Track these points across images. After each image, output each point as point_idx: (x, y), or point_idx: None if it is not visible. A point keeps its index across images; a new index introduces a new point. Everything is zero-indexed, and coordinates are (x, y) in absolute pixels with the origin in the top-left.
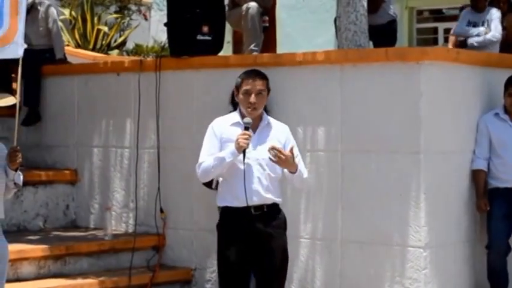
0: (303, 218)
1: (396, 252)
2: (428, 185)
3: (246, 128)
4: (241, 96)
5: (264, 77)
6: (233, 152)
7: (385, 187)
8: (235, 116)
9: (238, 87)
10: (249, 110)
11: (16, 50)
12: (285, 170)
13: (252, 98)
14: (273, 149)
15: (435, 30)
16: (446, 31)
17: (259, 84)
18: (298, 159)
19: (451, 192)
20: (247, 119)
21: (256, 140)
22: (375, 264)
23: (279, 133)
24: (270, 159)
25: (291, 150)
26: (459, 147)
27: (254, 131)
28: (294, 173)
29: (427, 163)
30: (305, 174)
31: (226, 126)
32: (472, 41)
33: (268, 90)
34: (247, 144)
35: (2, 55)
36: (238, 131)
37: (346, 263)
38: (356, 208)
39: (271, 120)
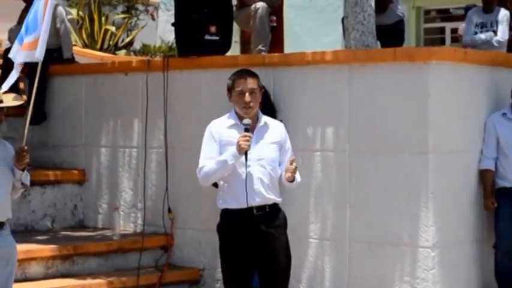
0: (312, 218)
1: (404, 252)
2: (436, 185)
3: (246, 130)
4: (235, 97)
5: (254, 76)
6: (235, 154)
7: (393, 187)
8: (231, 118)
9: (230, 89)
10: (245, 109)
11: (41, 52)
12: (284, 179)
13: (247, 97)
14: (290, 171)
15: (442, 30)
16: (454, 31)
17: (251, 83)
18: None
19: (458, 192)
20: (247, 121)
21: (255, 140)
22: (383, 264)
23: (275, 132)
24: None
25: (292, 162)
26: (467, 147)
27: (252, 132)
28: (292, 181)
29: (435, 163)
30: (299, 178)
31: (224, 129)
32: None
33: (261, 88)
34: (249, 146)
35: (31, 58)
36: (236, 133)
37: (355, 263)
38: (364, 208)
39: (267, 119)
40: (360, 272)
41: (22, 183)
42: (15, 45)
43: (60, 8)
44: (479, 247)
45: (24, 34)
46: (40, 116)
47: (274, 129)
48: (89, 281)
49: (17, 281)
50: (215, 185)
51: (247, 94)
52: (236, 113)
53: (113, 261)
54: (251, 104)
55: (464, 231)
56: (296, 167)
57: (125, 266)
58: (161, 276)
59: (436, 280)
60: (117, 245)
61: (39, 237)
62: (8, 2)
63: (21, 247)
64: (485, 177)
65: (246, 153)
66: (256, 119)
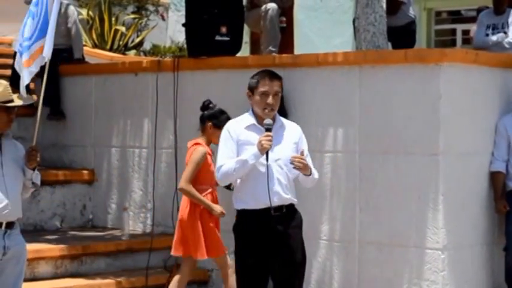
0: (321, 219)
1: (414, 254)
2: (447, 187)
3: (268, 130)
4: (257, 97)
5: (279, 78)
6: (256, 154)
7: (403, 188)
8: (249, 118)
9: (253, 89)
10: (266, 111)
11: (48, 52)
12: (300, 174)
13: (270, 100)
14: (294, 158)
15: (453, 32)
16: (465, 32)
17: (276, 85)
18: (309, 160)
19: (469, 194)
20: (268, 121)
21: (273, 140)
22: (393, 266)
23: (292, 133)
24: (295, 168)
25: (302, 153)
26: (478, 149)
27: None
28: (309, 175)
29: (445, 165)
30: (316, 175)
31: (241, 129)
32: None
33: (282, 90)
34: (270, 145)
35: (41, 62)
36: (254, 133)
37: (364, 264)
38: (374, 209)
39: (284, 120)
40: (370, 274)
41: (33, 183)
42: (23, 56)
43: (72, 8)
44: (490, 249)
45: (34, 40)
46: (59, 115)
47: (290, 130)
48: (97, 281)
49: (26, 280)
50: (227, 187)
51: (271, 96)
52: (254, 113)
53: (122, 262)
54: (273, 106)
55: (475, 233)
56: (303, 158)
57: (133, 266)
58: (170, 276)
59: (445, 282)
60: (126, 245)
61: (48, 237)
62: (16, 1)
63: (31, 247)
64: (496, 180)
65: (267, 153)
66: (273, 120)
